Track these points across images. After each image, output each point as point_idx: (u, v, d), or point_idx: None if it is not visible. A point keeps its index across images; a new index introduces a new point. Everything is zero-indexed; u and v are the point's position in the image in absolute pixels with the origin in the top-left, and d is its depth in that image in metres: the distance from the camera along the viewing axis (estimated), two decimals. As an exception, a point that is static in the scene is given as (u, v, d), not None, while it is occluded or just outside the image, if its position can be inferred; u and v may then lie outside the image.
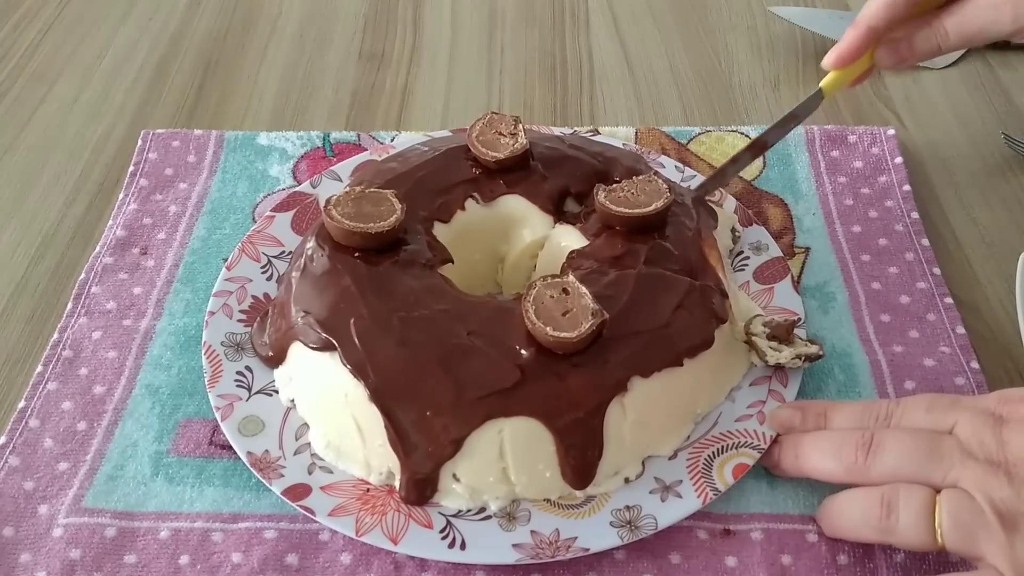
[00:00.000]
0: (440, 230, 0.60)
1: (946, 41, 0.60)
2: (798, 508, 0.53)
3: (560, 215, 0.62)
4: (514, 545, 0.50)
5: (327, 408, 0.54)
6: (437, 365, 0.51)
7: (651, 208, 0.57)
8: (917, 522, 0.47)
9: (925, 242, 0.66)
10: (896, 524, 0.47)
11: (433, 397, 0.51)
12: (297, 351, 0.56)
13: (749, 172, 0.72)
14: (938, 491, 0.47)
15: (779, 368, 0.57)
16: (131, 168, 0.73)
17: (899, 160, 0.72)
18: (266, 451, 0.54)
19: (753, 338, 0.57)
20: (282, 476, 0.53)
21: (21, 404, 0.58)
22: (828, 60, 0.61)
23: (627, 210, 0.58)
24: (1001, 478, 0.46)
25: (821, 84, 0.62)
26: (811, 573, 0.50)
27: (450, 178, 0.62)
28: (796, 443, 0.52)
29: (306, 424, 0.56)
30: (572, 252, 0.58)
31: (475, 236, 0.62)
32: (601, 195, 0.59)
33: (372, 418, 0.52)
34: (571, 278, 0.53)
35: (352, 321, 0.53)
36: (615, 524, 0.51)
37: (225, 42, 0.88)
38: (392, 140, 0.74)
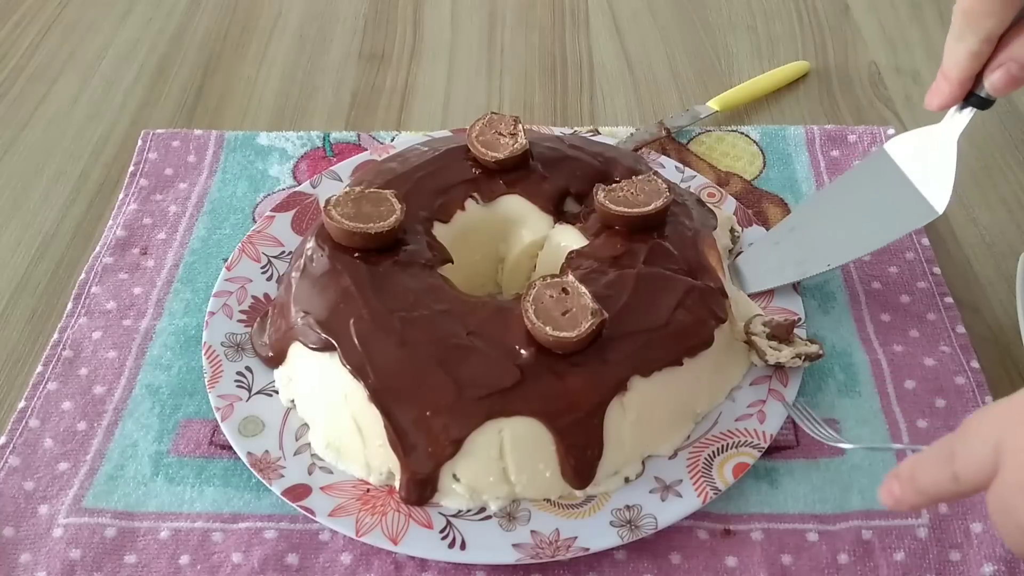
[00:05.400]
0: (440, 230, 0.60)
1: None
2: (798, 508, 0.53)
3: (560, 215, 0.62)
4: (514, 545, 0.50)
5: (327, 408, 0.54)
6: (437, 365, 0.51)
7: (651, 208, 0.57)
8: None
9: (925, 242, 0.66)
10: None
11: (433, 397, 0.51)
12: (297, 351, 0.56)
13: (749, 172, 0.72)
14: None
15: (779, 367, 0.57)
16: (131, 168, 0.73)
17: (899, 160, 0.72)
18: (266, 451, 0.54)
19: (753, 337, 0.57)
20: (282, 476, 0.53)
21: (21, 404, 0.58)
22: (931, 104, 0.58)
23: (627, 210, 0.57)
24: None
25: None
26: (811, 573, 0.50)
27: (450, 178, 0.62)
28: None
29: (306, 424, 0.56)
30: (572, 252, 0.58)
31: (475, 236, 0.62)
32: (601, 195, 0.58)
33: (372, 418, 0.52)
34: (571, 278, 0.53)
35: (352, 321, 0.53)
36: (615, 524, 0.51)
37: (225, 42, 0.88)
38: (392, 140, 0.74)
